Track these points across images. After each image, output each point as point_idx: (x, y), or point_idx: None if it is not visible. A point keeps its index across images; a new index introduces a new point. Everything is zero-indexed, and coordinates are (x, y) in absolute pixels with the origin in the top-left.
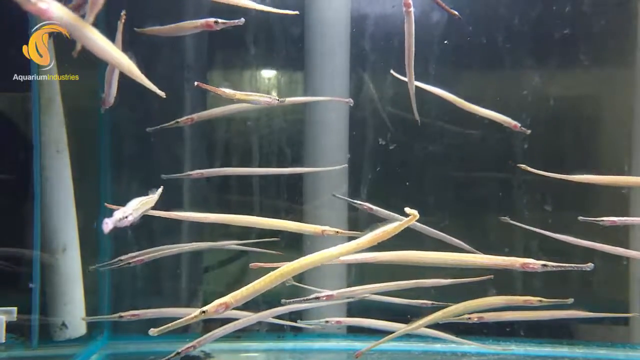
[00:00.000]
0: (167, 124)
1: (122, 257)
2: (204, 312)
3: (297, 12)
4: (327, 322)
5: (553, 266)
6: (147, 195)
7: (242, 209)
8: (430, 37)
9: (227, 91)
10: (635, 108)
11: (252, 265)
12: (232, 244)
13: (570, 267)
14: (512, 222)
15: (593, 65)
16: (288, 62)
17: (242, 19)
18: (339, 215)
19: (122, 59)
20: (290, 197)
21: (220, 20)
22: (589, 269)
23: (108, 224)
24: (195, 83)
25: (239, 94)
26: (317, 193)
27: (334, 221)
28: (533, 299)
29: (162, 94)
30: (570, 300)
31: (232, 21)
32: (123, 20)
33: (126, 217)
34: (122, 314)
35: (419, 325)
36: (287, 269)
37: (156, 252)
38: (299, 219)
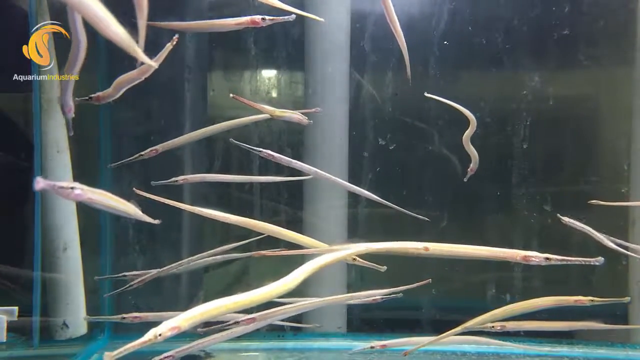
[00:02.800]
0: (130, 158)
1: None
2: (159, 334)
3: (322, 20)
4: (372, 347)
5: (557, 259)
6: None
7: (242, 206)
8: (430, 37)
9: (267, 108)
10: (635, 108)
11: (255, 253)
12: (229, 248)
13: (577, 261)
14: (578, 225)
15: (593, 65)
16: (288, 62)
17: (293, 15)
18: (339, 214)
19: (122, 35)
20: (290, 194)
21: (267, 17)
22: (598, 264)
23: (39, 183)
24: (239, 98)
25: (277, 111)
26: (317, 192)
27: (333, 220)
28: (584, 299)
29: (154, 64)
30: (627, 299)
31: (279, 18)
32: (174, 43)
33: (70, 189)
34: (125, 315)
35: (464, 328)
36: (242, 301)
37: (155, 273)
38: (299, 217)
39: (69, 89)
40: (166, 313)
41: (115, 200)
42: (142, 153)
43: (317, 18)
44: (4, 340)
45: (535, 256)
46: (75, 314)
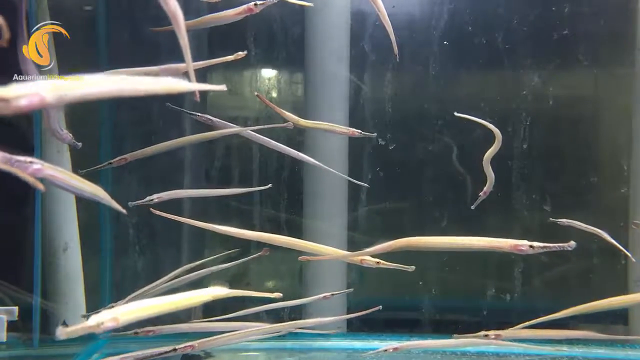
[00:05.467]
0: (100, 166)
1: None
2: (102, 323)
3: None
4: (385, 350)
5: (539, 247)
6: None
7: (242, 211)
8: (430, 37)
9: (291, 116)
10: (634, 108)
11: (302, 258)
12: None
13: (554, 246)
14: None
15: (593, 65)
16: (288, 62)
17: None
18: (339, 215)
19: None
20: (290, 197)
21: (258, 2)
22: (570, 248)
23: None
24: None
25: (302, 121)
26: (317, 193)
27: (333, 221)
28: None
29: (223, 88)
30: None
31: (268, 1)
32: (239, 57)
33: (28, 163)
34: (138, 330)
35: (555, 316)
36: (165, 306)
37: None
38: (299, 219)
39: (55, 120)
40: (180, 325)
41: (81, 182)
42: (112, 161)
43: (306, 3)
44: (4, 340)
45: (523, 245)
46: (75, 314)
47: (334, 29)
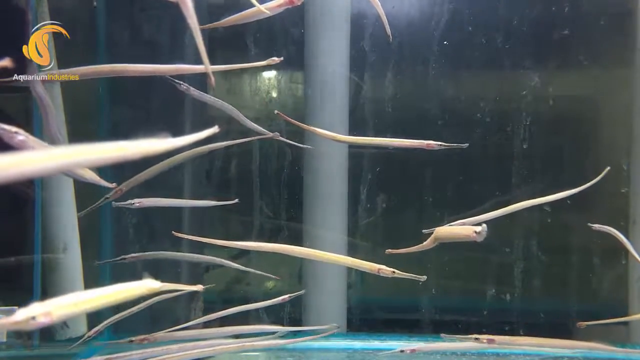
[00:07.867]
0: (97, 204)
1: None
2: (33, 317)
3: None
4: (402, 351)
5: (479, 231)
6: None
7: (241, 213)
8: (430, 37)
9: (327, 133)
10: (634, 108)
11: (389, 251)
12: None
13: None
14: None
15: (593, 66)
16: (288, 62)
17: None
18: (339, 220)
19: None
20: (290, 199)
21: None
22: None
23: None
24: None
25: (339, 137)
26: (317, 198)
27: (333, 227)
28: None
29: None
30: None
31: None
32: (274, 62)
33: (14, 133)
34: (133, 338)
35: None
36: (101, 299)
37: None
38: (299, 224)
39: (53, 126)
40: (171, 334)
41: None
42: (108, 196)
43: (265, 12)
44: (4, 340)
45: (474, 230)
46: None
47: (334, 29)
